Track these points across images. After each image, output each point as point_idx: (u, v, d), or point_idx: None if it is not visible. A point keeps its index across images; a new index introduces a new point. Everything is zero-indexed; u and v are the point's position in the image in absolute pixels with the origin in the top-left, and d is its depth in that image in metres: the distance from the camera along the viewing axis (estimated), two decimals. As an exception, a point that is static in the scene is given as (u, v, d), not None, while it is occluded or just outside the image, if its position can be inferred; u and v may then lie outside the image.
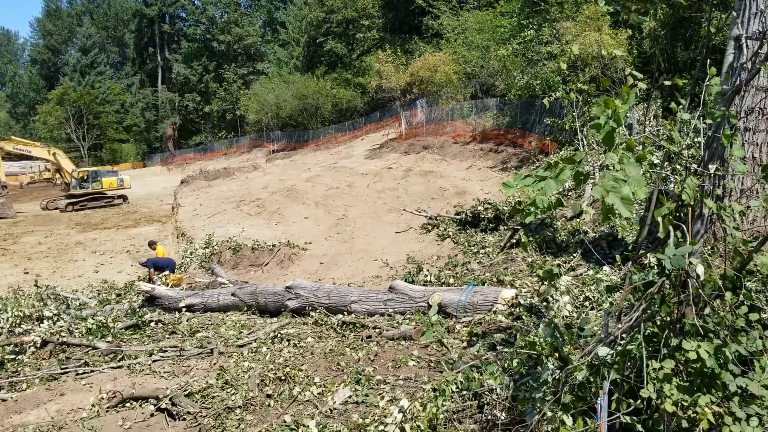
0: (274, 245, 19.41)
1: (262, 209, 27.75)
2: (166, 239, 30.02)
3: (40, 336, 9.58)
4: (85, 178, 44.88)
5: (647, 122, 15.67)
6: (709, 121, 4.62)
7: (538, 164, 20.93)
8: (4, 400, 7.50)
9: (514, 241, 12.61)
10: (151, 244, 18.26)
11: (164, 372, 7.87)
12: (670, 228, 3.84)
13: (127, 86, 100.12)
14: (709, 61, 5.33)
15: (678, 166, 8.79)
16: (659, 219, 3.73)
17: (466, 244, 14.69)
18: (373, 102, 53.32)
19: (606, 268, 8.69)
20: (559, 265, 9.71)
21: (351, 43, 59.10)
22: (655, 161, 10.92)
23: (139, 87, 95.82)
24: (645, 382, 3.56)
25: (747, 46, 6.39)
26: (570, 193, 14.98)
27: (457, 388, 5.43)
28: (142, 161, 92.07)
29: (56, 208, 43.76)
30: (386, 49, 47.17)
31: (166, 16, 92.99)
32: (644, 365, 3.61)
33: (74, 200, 43.86)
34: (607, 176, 3.30)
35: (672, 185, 8.10)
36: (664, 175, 6.16)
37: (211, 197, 35.08)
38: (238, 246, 19.57)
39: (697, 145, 8.96)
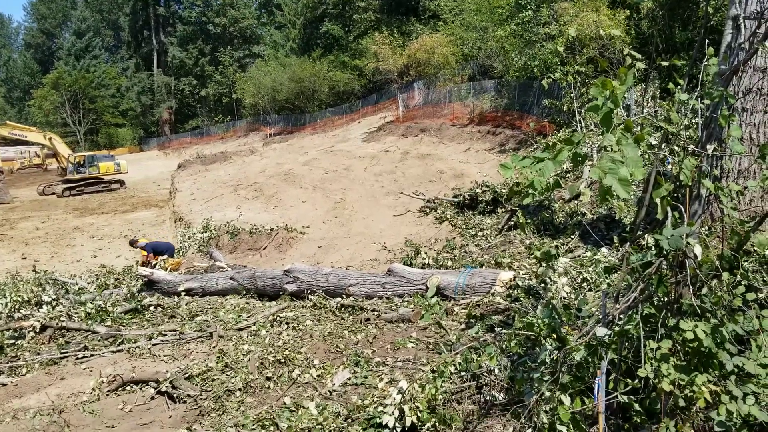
0: (272, 229, 19.42)
1: (260, 193, 27.71)
2: (164, 224, 30.01)
3: (39, 321, 9.60)
4: (82, 163, 44.67)
5: (645, 103, 15.64)
6: (707, 101, 4.61)
7: (536, 146, 20.88)
8: (4, 385, 7.54)
9: (512, 223, 12.62)
10: (133, 243, 17.25)
11: (164, 356, 7.91)
12: (668, 209, 3.85)
13: (122, 70, 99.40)
14: (707, 41, 5.30)
15: (676, 147, 8.79)
16: (658, 200, 3.73)
17: (464, 226, 14.70)
18: (370, 85, 53.04)
19: (604, 249, 8.71)
20: (557, 247, 9.74)
21: (347, 25, 58.66)
22: (653, 142, 10.91)
23: (135, 71, 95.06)
24: (642, 361, 3.58)
25: (745, 26, 6.36)
26: (568, 175, 14.97)
27: (456, 369, 5.46)
28: (138, 146, 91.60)
29: (53, 193, 43.64)
30: (383, 31, 46.86)
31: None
32: (642, 345, 3.63)
33: (71, 185, 43.68)
34: (605, 157, 3.30)
35: (670, 166, 8.10)
36: (662, 156, 6.15)
37: (208, 181, 35.00)
38: (236, 230, 19.58)
39: (695, 126, 8.97)
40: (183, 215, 27.42)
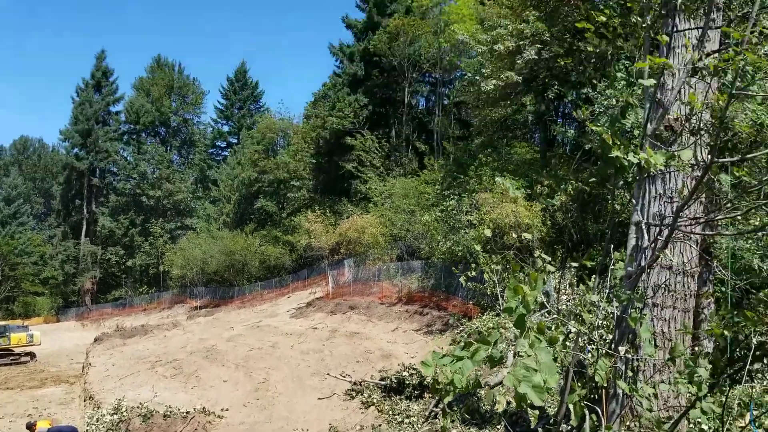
0: (188, 412, 18.29)
1: (179, 371, 26.41)
2: (73, 402, 27.95)
3: None
4: (-8, 333, 42.19)
5: (563, 291, 16.25)
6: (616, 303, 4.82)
7: (461, 329, 21.08)
8: None
9: (439, 409, 12.35)
10: (30, 427, 15.32)
11: None
12: (586, 411, 3.86)
13: (48, 237, 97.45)
14: (618, 234, 5.65)
15: (591, 345, 9.02)
16: (571, 406, 3.75)
17: (390, 412, 14.31)
18: (302, 260, 53.48)
19: (529, 442, 8.54)
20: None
21: (282, 202, 60.29)
22: (572, 330, 11.16)
23: (62, 239, 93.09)
24: None
25: (648, 230, 6.84)
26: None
27: None
28: (55, 315, 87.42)
29: (-46, 369, 40.46)
30: (316, 210, 48.32)
31: (96, 169, 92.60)
32: None
33: (-22, 357, 40.80)
34: (519, 365, 3.33)
35: (587, 359, 8.25)
36: (581, 345, 6.27)
37: (125, 357, 33.26)
38: (149, 412, 18.32)
39: (612, 317, 9.29)
40: (94, 394, 25.61)
